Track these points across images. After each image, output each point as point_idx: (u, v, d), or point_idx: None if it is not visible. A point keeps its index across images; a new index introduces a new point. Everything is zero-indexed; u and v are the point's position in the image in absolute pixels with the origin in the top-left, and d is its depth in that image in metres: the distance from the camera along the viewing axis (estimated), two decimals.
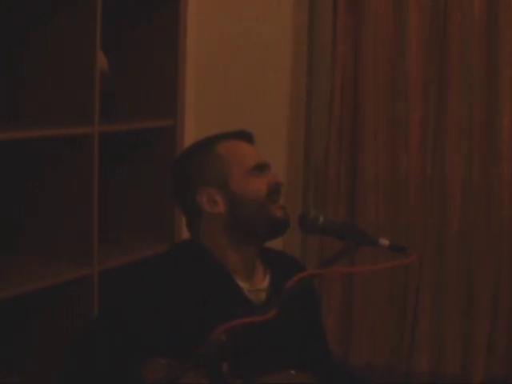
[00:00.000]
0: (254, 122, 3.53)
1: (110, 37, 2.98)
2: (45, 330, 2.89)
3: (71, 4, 2.77)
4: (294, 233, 2.09)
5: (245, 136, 2.15)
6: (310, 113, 3.70)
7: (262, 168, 2.09)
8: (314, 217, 1.95)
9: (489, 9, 3.43)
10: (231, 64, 3.73)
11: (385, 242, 1.85)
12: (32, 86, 2.87)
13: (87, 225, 2.83)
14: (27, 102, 2.89)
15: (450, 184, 3.55)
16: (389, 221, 3.62)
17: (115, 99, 3.15)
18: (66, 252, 2.85)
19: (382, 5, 3.52)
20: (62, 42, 2.80)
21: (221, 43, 3.72)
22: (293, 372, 1.99)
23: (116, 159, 3.25)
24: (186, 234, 2.16)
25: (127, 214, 3.31)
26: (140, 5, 3.20)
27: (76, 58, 2.79)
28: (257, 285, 2.09)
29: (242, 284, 2.06)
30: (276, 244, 2.17)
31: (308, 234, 1.93)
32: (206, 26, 3.67)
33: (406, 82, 3.54)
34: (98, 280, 2.84)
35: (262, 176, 2.07)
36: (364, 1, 3.53)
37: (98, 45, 2.77)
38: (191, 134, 3.41)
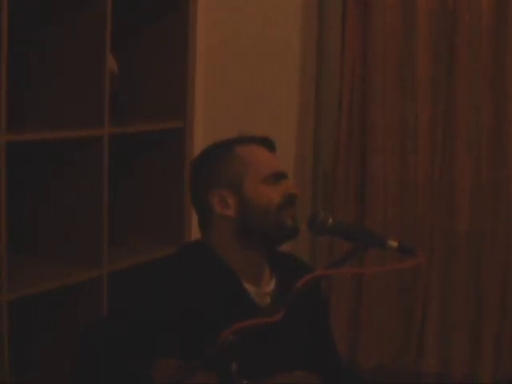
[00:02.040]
0: (262, 124, 3.56)
1: (120, 38, 2.99)
2: (54, 331, 2.91)
3: (81, 6, 2.78)
4: (303, 234, 2.09)
5: (267, 143, 2.12)
6: (319, 114, 3.70)
7: (278, 177, 2.06)
8: (324, 218, 1.95)
9: (497, 9, 3.43)
10: (240, 66, 3.74)
11: (393, 243, 1.85)
12: (42, 88, 2.88)
13: (97, 226, 2.84)
14: (37, 104, 2.90)
15: (459, 186, 3.54)
16: (397, 222, 3.61)
17: (125, 101, 3.16)
18: (76, 253, 2.86)
19: (390, 6, 3.52)
20: (71, 44, 2.81)
21: (230, 45, 3.72)
22: (300, 373, 1.99)
23: (125, 161, 3.26)
24: (194, 237, 2.17)
25: (136, 216, 3.31)
26: (150, 6, 3.21)
27: (86, 60, 2.80)
28: (263, 288, 2.09)
29: (249, 287, 2.06)
30: (285, 246, 2.15)
31: (317, 236, 1.93)
32: (215, 27, 3.68)
33: (415, 83, 3.54)
34: (107, 281, 2.85)
35: (277, 185, 2.05)
36: (372, 2, 3.54)
37: (107, 47, 2.78)
38: (200, 135, 3.42)
